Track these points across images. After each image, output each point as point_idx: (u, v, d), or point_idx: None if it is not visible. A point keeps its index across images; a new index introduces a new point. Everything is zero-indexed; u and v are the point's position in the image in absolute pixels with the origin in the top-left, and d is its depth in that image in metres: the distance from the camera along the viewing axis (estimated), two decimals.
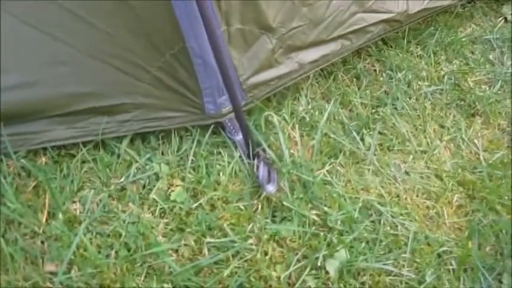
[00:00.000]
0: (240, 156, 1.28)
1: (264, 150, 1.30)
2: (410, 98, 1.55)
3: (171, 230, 1.15)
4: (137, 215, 1.15)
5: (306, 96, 1.46)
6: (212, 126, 1.28)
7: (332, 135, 1.37)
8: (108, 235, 1.12)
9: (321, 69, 1.52)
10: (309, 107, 1.44)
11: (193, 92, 1.22)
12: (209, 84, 1.21)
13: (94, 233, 1.12)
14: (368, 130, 1.43)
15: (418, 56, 1.70)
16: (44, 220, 1.11)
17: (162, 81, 1.19)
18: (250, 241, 1.14)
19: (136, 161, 1.24)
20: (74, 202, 1.17)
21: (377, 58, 1.65)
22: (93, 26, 1.08)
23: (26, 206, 1.12)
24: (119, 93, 1.20)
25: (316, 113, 1.43)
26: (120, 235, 1.12)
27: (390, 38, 1.69)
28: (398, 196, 1.31)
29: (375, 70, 1.62)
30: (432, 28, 1.79)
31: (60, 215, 1.11)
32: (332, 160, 1.34)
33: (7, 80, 1.11)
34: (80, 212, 1.15)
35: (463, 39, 1.79)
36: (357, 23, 1.42)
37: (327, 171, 1.30)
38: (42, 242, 1.09)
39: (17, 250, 1.06)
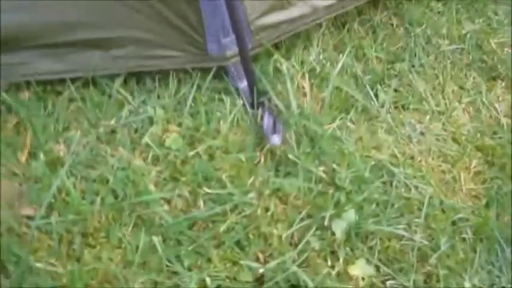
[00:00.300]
0: (244, 105, 1.16)
1: (269, 99, 1.18)
2: (428, 55, 1.43)
3: (164, 178, 1.04)
4: (127, 161, 1.04)
5: (317, 46, 1.33)
6: (214, 70, 1.15)
7: (344, 89, 1.25)
8: (94, 180, 1.01)
9: (335, 19, 1.40)
10: (320, 57, 1.32)
11: (196, 30, 1.10)
12: (214, 21, 1.09)
13: (78, 177, 1.01)
14: (383, 86, 1.31)
15: (438, 12, 1.57)
16: (23, 160, 1.00)
17: (162, 14, 1.07)
18: (251, 195, 1.03)
19: (129, 103, 1.13)
20: (57, 143, 1.06)
21: (395, 12, 1.52)
22: None
23: (4, 143, 1.01)
24: (114, 25, 1.08)
25: (328, 64, 1.32)
26: (108, 181, 1.01)
27: None
28: (412, 158, 1.20)
29: (392, 24, 1.50)
30: None
31: (42, 156, 1.01)
32: (343, 115, 1.23)
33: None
34: (64, 154, 1.04)
35: None
36: None
37: (337, 126, 1.19)
38: (20, 184, 0.97)
39: None
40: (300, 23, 1.24)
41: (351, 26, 1.43)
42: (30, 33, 1.03)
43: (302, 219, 1.04)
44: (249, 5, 1.12)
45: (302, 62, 1.29)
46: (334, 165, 1.12)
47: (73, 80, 1.11)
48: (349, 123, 1.22)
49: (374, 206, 1.08)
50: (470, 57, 1.47)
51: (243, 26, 1.11)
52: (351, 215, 1.06)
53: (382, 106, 1.27)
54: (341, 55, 1.35)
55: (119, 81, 1.14)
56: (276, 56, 1.24)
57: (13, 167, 0.99)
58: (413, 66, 1.39)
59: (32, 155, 1.02)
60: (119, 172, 1.03)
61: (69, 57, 1.09)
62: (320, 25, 1.37)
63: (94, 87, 1.12)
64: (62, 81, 1.11)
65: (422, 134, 1.26)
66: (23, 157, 1.01)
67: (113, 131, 1.09)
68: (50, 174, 0.98)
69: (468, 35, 1.51)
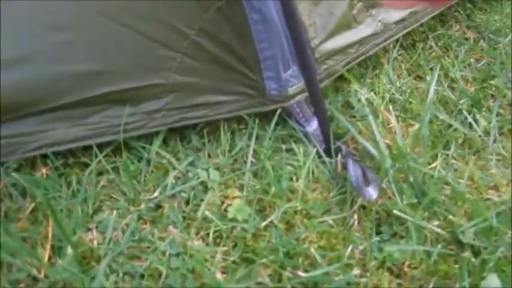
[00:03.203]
0: (317, 153, 0.89)
1: (344, 143, 0.92)
2: None
3: (233, 262, 0.77)
4: (182, 243, 0.77)
5: (392, 71, 1.07)
6: (277, 114, 0.89)
7: (440, 118, 0.98)
8: (142, 276, 0.74)
9: (403, 38, 1.15)
10: (397, 84, 1.05)
11: (248, 65, 0.86)
12: (271, 51, 0.85)
13: (120, 274, 0.74)
14: (480, 110, 1.04)
15: None
16: (46, 258, 0.74)
17: (205, 48, 0.83)
18: (354, 272, 0.75)
19: (174, 167, 0.87)
20: (88, 230, 0.80)
21: (468, 24, 1.28)
22: None
23: (19, 239, 0.75)
24: (145, 71, 0.83)
25: (408, 91, 1.05)
26: (160, 274, 0.74)
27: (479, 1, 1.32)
28: None
29: (467, 38, 1.24)
30: None
31: (69, 250, 0.74)
32: (443, 151, 0.95)
33: None
34: (99, 244, 0.78)
35: None
36: None
37: (440, 165, 0.91)
38: None
39: None
40: (371, 45, 0.99)
41: (423, 45, 1.17)
42: (39, 93, 0.78)
43: None
44: (310, 26, 0.87)
45: (379, 92, 1.02)
46: (451, 217, 0.83)
47: (100, 147, 0.85)
48: (453, 161, 0.94)
49: None
50: None
51: (309, 51, 0.85)
52: (492, 281, 0.77)
53: (487, 134, 1.00)
54: (418, 79, 1.09)
55: (157, 142, 0.89)
56: (351, 87, 0.98)
57: (33, 270, 0.72)
58: (509, 81, 1.12)
59: (56, 251, 0.76)
60: (173, 260, 0.76)
61: (91, 119, 0.84)
62: (385, 48, 1.11)
63: (128, 153, 0.86)
64: (87, 149, 0.86)
65: None
66: (45, 255, 0.74)
67: (158, 206, 0.83)
68: (81, 275, 0.71)
69: None
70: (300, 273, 0.74)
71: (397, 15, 1.02)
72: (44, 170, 0.85)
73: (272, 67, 0.87)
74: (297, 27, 0.81)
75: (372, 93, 1.00)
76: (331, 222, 0.83)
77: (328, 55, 0.93)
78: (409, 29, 1.04)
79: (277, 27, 0.84)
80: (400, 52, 1.15)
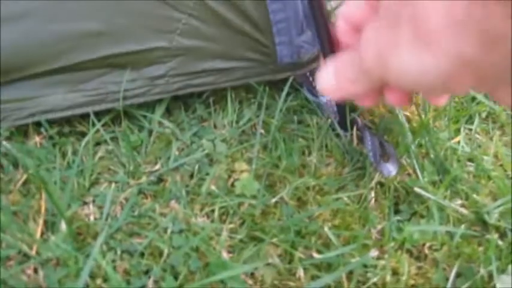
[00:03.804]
0: (331, 125, 0.82)
1: (360, 115, 0.85)
2: None
3: (240, 241, 0.71)
4: (185, 220, 0.71)
5: None
6: (289, 83, 0.83)
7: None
8: (142, 254, 0.68)
9: None
10: None
11: (259, 28, 0.79)
12: (284, 13, 0.78)
13: (118, 252, 0.68)
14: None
15: None
16: (38, 234, 0.67)
17: (212, 9, 0.75)
18: (371, 254, 0.69)
19: (178, 138, 0.81)
20: (84, 204, 0.73)
21: None
22: None
23: (10, 213, 0.68)
24: (148, 33, 0.76)
25: None
26: (161, 253, 0.68)
27: None
28: None
29: None
30: None
31: (63, 225, 0.68)
32: (465, 125, 0.88)
33: None
34: (95, 219, 0.71)
35: None
36: None
37: (464, 141, 0.85)
38: (36, 270, 0.65)
39: None
40: None
41: None
42: (34, 53, 0.71)
43: (446, 279, 0.69)
44: None
45: None
46: (475, 196, 0.77)
47: (98, 115, 0.78)
48: (476, 135, 0.87)
49: None
50: None
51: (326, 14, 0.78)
52: None
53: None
54: None
55: (160, 111, 0.82)
56: None
57: (23, 246, 0.66)
58: None
59: (50, 226, 0.69)
60: (175, 238, 0.70)
61: (90, 84, 0.77)
62: None
63: (128, 122, 0.79)
64: (84, 118, 0.79)
65: None
66: (37, 230, 0.68)
67: (160, 179, 0.76)
68: (76, 253, 0.65)
69: None
70: (314, 254, 0.67)
71: None
72: (37, 139, 0.78)
73: (284, 31, 0.80)
74: None
75: None
76: (346, 199, 0.76)
77: None
78: None
79: None
80: None
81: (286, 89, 0.82)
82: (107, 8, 0.73)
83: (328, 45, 0.70)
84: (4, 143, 0.76)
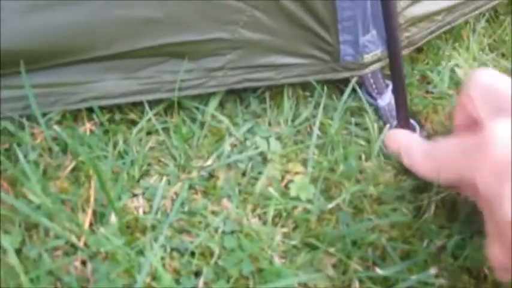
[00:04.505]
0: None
1: (419, 121, 0.81)
2: None
3: (294, 246, 0.68)
4: (238, 220, 0.68)
5: (475, 45, 0.95)
6: (352, 83, 0.79)
7: None
8: (192, 253, 0.66)
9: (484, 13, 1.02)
10: (482, 60, 0.94)
11: (325, 24, 0.75)
12: (352, 11, 0.74)
13: (168, 249, 0.65)
14: None
15: None
16: (86, 225, 0.65)
17: (277, 2, 0.72)
18: (432, 271, 0.65)
19: (231, 134, 0.78)
20: (134, 196, 0.71)
21: None
22: None
23: (58, 201, 0.67)
24: (209, 23, 0.73)
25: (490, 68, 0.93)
26: (212, 254, 0.65)
27: None
28: None
29: None
30: None
31: (114, 218, 0.65)
32: None
33: None
34: (145, 213, 0.69)
35: None
36: None
37: None
38: (83, 263, 0.62)
39: (40, 276, 0.59)
40: (459, 13, 0.87)
41: (509, 20, 1.04)
42: (90, 38, 0.68)
43: None
44: None
45: (461, 67, 0.91)
46: None
47: (151, 104, 0.76)
48: None
49: None
50: None
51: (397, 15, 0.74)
52: None
53: None
54: (501, 56, 0.97)
55: (214, 103, 0.79)
56: (429, 59, 0.88)
57: (71, 237, 0.63)
58: None
59: (99, 217, 0.67)
60: (227, 239, 0.67)
61: (145, 71, 0.74)
62: (467, 21, 0.99)
63: (181, 113, 0.77)
64: (136, 106, 0.76)
65: None
66: (85, 220, 0.66)
67: (211, 176, 0.74)
68: (126, 248, 0.62)
69: None
70: (377, 269, 0.64)
71: None
72: (88, 125, 0.76)
73: (350, 29, 0.77)
74: None
75: (456, 68, 0.89)
76: (405, 210, 0.73)
77: (413, 21, 0.82)
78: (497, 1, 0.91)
79: None
80: (482, 25, 1.02)
81: (349, 88, 0.78)
82: None
83: (394, 45, 0.67)
84: (55, 127, 0.74)
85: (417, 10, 0.81)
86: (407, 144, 0.71)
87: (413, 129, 0.80)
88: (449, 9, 0.85)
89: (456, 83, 0.90)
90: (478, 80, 0.62)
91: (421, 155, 0.68)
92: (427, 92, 0.88)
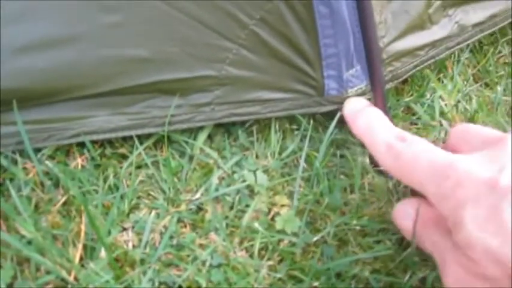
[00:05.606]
0: (373, 162, 0.81)
1: None
2: None
3: (279, 279, 0.69)
4: (224, 254, 0.70)
5: (459, 76, 0.98)
6: (337, 117, 0.81)
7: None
8: (180, 287, 0.67)
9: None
10: (464, 91, 0.96)
11: (309, 61, 0.78)
12: (335, 48, 0.77)
13: (156, 283, 0.67)
14: None
15: None
16: (77, 260, 0.67)
17: (264, 41, 0.75)
18: None
19: (219, 167, 0.79)
20: (124, 230, 0.73)
21: None
22: None
23: (49, 236, 0.68)
24: (197, 61, 0.75)
25: (474, 99, 0.96)
26: (199, 287, 0.66)
27: None
28: None
29: None
30: None
31: (103, 252, 0.67)
32: None
33: (25, 34, 0.68)
34: (134, 246, 0.70)
35: None
36: None
37: None
38: None
39: None
40: (443, 48, 0.90)
41: (493, 50, 1.07)
42: (81, 77, 0.71)
43: None
44: (381, 23, 0.79)
45: (444, 99, 0.94)
46: None
47: (141, 138, 0.78)
48: None
49: None
50: None
51: (379, 52, 0.77)
52: None
53: None
54: (485, 86, 1.00)
55: (202, 137, 0.81)
56: (413, 90, 0.90)
57: (62, 271, 0.65)
58: None
59: (89, 251, 0.69)
60: (214, 273, 0.69)
61: (134, 107, 0.77)
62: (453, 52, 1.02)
63: (170, 148, 0.79)
64: (127, 140, 0.78)
65: None
66: (76, 255, 0.68)
67: (200, 209, 0.76)
68: (114, 283, 0.64)
69: None
70: None
71: (476, 17, 0.93)
72: (79, 160, 0.78)
73: (334, 65, 0.79)
74: (368, 25, 0.73)
75: (439, 100, 0.91)
76: (388, 242, 0.74)
77: (396, 56, 0.84)
78: (485, 33, 0.94)
79: (345, 23, 0.75)
80: (466, 56, 1.05)
81: (334, 121, 0.80)
82: (157, 36, 0.72)
83: (377, 78, 0.70)
84: (47, 162, 0.76)
85: (400, 45, 0.84)
86: (375, 124, 0.69)
87: None
88: (433, 44, 0.88)
89: (440, 114, 0.92)
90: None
91: (384, 144, 0.65)
92: (411, 123, 0.90)
